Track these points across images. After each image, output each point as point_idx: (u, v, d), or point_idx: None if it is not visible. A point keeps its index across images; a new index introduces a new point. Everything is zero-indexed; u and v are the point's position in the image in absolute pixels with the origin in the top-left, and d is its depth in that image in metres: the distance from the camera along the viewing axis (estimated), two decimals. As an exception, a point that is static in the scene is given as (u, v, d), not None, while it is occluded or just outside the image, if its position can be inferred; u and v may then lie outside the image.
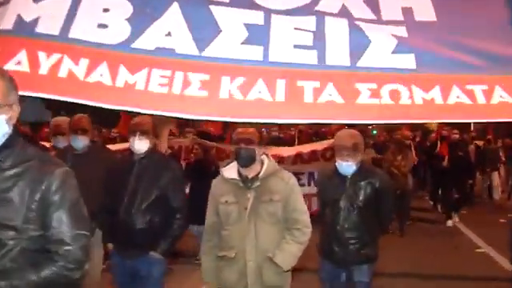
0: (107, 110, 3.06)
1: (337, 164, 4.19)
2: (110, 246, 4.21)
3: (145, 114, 3.86)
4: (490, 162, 14.42)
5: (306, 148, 8.86)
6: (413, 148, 12.20)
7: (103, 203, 4.18)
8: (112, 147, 7.57)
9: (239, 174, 3.62)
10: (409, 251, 8.60)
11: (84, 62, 2.98)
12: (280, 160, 8.38)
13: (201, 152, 7.80)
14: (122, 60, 3.03)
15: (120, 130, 13.08)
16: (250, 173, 3.61)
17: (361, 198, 4.16)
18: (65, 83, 2.94)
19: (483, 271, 7.53)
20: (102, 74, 2.98)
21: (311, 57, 3.06)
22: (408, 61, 3.06)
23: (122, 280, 4.14)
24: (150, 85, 2.99)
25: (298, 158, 8.68)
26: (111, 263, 4.36)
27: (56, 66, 2.95)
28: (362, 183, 4.17)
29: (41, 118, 13.87)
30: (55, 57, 2.98)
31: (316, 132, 11.95)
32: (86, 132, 4.84)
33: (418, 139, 14.79)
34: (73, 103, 2.98)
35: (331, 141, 8.14)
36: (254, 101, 2.97)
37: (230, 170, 3.67)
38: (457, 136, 11.82)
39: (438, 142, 12.03)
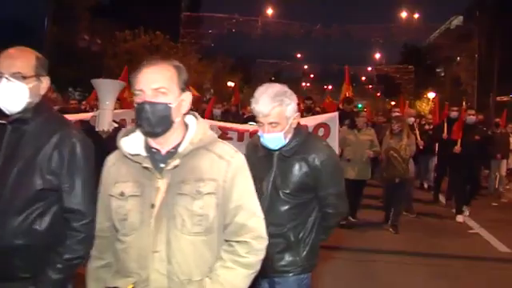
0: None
1: (259, 134, 3.02)
2: None
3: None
4: (498, 149, 12.72)
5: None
6: (417, 129, 10.83)
7: None
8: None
9: (147, 147, 2.20)
10: (402, 231, 8.57)
11: None
12: None
13: None
14: None
15: (89, 100, 12.76)
16: (162, 145, 2.17)
17: (290, 179, 3.01)
18: None
19: (475, 251, 7.68)
20: None
21: None
22: None
23: None
24: None
25: None
26: None
27: None
28: (294, 159, 3.01)
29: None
30: None
31: (308, 108, 11.33)
32: None
33: (423, 123, 13.23)
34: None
35: (325, 116, 7.77)
36: None
37: (133, 141, 2.21)
38: (473, 118, 9.87)
39: (445, 125, 10.47)
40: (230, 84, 36.33)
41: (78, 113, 8.43)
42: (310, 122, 7.12)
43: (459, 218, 9.64)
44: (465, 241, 8.30)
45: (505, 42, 28.04)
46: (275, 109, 2.87)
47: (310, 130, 6.80)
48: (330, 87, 57.22)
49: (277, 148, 3.01)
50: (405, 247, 7.69)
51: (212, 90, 34.44)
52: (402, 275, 6.35)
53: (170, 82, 2.11)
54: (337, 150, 6.87)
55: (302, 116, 9.88)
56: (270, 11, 38.56)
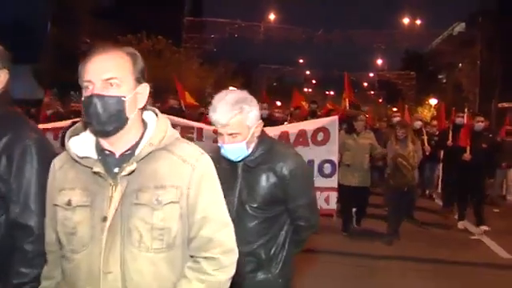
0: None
1: (219, 145, 2.76)
2: None
3: None
4: (507, 157, 12.32)
5: (294, 128, 6.95)
6: (425, 135, 10.58)
7: None
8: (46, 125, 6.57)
9: (98, 148, 1.90)
10: (402, 237, 8.50)
11: None
12: None
13: None
14: None
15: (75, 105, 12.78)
16: (116, 146, 1.87)
17: (257, 192, 2.76)
18: None
19: (477, 257, 7.63)
20: None
21: None
22: None
23: None
24: None
25: (283, 140, 6.52)
26: None
27: None
28: (260, 170, 2.76)
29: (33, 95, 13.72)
30: None
31: (313, 111, 10.79)
32: None
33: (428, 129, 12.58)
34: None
35: (325, 120, 7.62)
36: None
37: (83, 142, 1.91)
38: (481, 125, 9.42)
39: (450, 132, 10.27)
40: (232, 89, 36.23)
41: (76, 116, 8.43)
42: (309, 126, 6.88)
43: (461, 225, 9.55)
44: (467, 247, 8.26)
45: (508, 49, 28.00)
46: (235, 117, 2.63)
47: (309, 134, 6.59)
48: (331, 93, 57.23)
49: (239, 159, 2.76)
50: (405, 253, 7.66)
51: (214, 95, 34.38)
52: (402, 280, 6.32)
53: (124, 72, 1.81)
54: (337, 155, 6.78)
55: (306, 120, 9.84)
56: (272, 16, 38.62)
